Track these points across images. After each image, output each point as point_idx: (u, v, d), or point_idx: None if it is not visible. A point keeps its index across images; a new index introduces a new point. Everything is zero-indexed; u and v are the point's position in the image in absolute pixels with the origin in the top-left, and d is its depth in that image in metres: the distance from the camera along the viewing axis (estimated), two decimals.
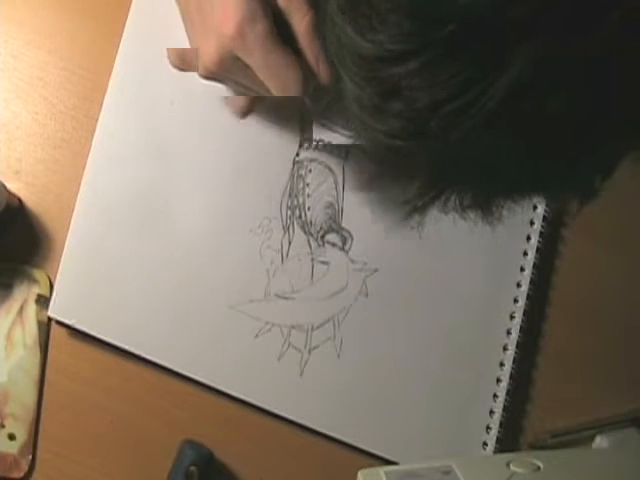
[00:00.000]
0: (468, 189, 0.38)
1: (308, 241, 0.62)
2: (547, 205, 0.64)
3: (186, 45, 0.61)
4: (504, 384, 0.62)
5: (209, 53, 0.52)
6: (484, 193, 0.38)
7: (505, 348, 0.63)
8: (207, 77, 0.55)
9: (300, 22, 0.51)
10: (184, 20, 0.54)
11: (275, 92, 0.53)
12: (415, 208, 0.40)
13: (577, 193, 0.39)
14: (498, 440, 0.62)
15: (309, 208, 0.62)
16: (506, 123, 0.32)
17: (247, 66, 0.52)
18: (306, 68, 0.52)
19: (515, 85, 0.31)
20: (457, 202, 0.39)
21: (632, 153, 0.36)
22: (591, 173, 0.37)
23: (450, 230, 0.63)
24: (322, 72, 0.52)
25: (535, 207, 0.64)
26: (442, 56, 0.32)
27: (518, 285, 0.63)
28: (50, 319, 0.61)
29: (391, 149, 0.36)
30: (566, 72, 0.31)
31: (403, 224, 0.40)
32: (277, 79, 0.52)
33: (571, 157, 0.35)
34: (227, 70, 0.53)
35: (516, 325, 0.63)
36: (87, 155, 0.61)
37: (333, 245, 0.62)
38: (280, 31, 0.51)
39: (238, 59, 0.51)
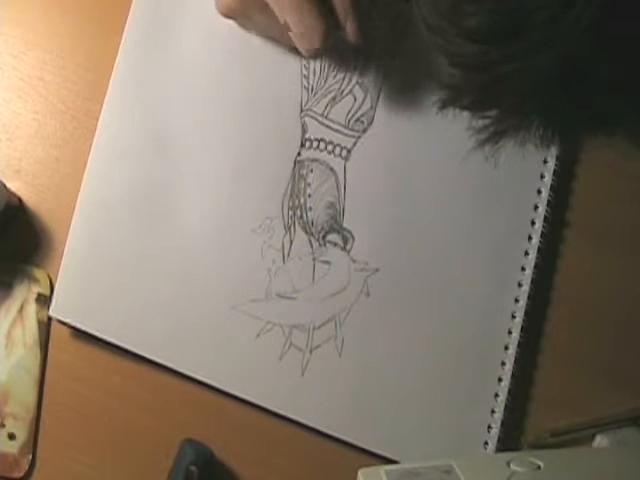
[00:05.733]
0: (556, 117, 0.35)
1: (309, 241, 0.62)
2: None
3: (186, 46, 0.61)
4: (505, 383, 0.63)
5: None
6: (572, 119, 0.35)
7: (506, 347, 0.63)
8: (227, 14, 0.54)
9: None
10: None
11: (296, 42, 0.52)
12: (492, 135, 0.37)
13: None
14: (499, 439, 0.62)
15: (310, 208, 0.62)
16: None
17: (267, 5, 0.51)
18: (331, 20, 0.52)
19: None
20: (540, 132, 0.36)
21: None
22: None
23: (451, 230, 0.63)
24: (350, 26, 0.52)
25: (536, 207, 0.64)
26: None
27: (519, 285, 0.63)
28: (50, 318, 0.61)
29: (483, 63, 0.34)
30: None
31: (474, 152, 0.37)
32: (301, 25, 0.51)
33: None
34: (247, 6, 0.53)
35: (517, 325, 0.63)
36: (87, 154, 0.61)
37: (334, 245, 0.62)
38: None
39: None
